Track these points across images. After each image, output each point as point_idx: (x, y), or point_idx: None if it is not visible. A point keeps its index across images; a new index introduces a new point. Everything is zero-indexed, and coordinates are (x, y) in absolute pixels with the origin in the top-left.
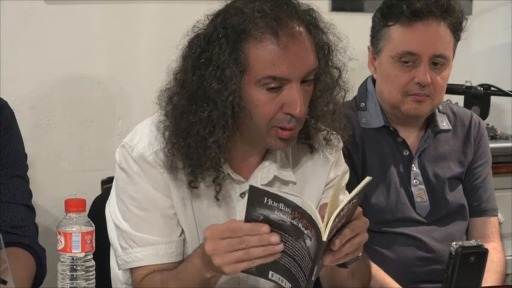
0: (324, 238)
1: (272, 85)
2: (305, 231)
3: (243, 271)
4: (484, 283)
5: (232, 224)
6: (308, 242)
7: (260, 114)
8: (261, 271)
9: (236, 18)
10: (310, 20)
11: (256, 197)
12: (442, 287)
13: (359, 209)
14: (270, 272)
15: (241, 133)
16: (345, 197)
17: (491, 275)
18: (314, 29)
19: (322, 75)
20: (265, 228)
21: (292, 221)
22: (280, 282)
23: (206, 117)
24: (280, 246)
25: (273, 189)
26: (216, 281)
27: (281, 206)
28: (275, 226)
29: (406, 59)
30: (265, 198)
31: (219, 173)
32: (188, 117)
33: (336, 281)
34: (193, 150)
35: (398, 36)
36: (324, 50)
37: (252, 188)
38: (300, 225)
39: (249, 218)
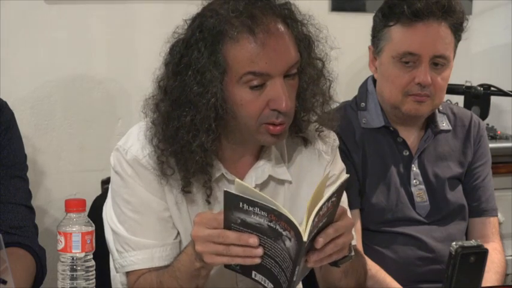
0: (305, 238)
1: (255, 82)
2: (284, 233)
3: (228, 268)
4: (485, 283)
5: (220, 215)
6: (288, 243)
7: (246, 113)
8: (245, 270)
9: (212, 21)
10: (286, 14)
11: (232, 201)
12: (442, 287)
13: (342, 209)
14: (253, 272)
15: (227, 134)
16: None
17: (491, 275)
18: (292, 23)
19: (306, 67)
20: (254, 239)
21: (269, 223)
22: (263, 283)
23: (189, 121)
24: (259, 251)
25: (247, 194)
26: (206, 274)
27: (256, 210)
28: (253, 229)
29: (406, 59)
30: (240, 203)
31: (209, 176)
32: (173, 123)
33: (329, 281)
34: (180, 156)
35: (399, 36)
36: (304, 42)
37: (227, 193)
38: (277, 227)
39: (227, 222)
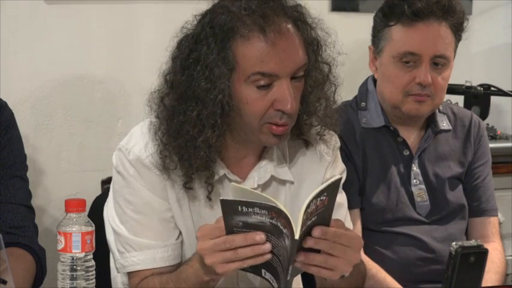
0: (296, 236)
1: (262, 82)
2: (284, 230)
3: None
4: (485, 283)
5: (220, 223)
6: (286, 241)
7: (251, 111)
8: (255, 269)
9: (223, 17)
10: (297, 16)
11: (230, 208)
12: (442, 287)
13: (340, 222)
14: (263, 270)
15: (231, 132)
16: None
17: (491, 275)
18: (302, 25)
19: (313, 70)
20: (261, 237)
21: (271, 220)
22: (271, 281)
23: (195, 116)
24: (268, 246)
25: (246, 196)
26: (215, 284)
27: (256, 209)
28: (256, 229)
29: (407, 59)
30: (239, 207)
31: (211, 173)
32: (178, 118)
33: (326, 283)
34: (184, 151)
35: (399, 36)
36: (313, 45)
37: (223, 202)
38: (279, 224)
39: (229, 227)
